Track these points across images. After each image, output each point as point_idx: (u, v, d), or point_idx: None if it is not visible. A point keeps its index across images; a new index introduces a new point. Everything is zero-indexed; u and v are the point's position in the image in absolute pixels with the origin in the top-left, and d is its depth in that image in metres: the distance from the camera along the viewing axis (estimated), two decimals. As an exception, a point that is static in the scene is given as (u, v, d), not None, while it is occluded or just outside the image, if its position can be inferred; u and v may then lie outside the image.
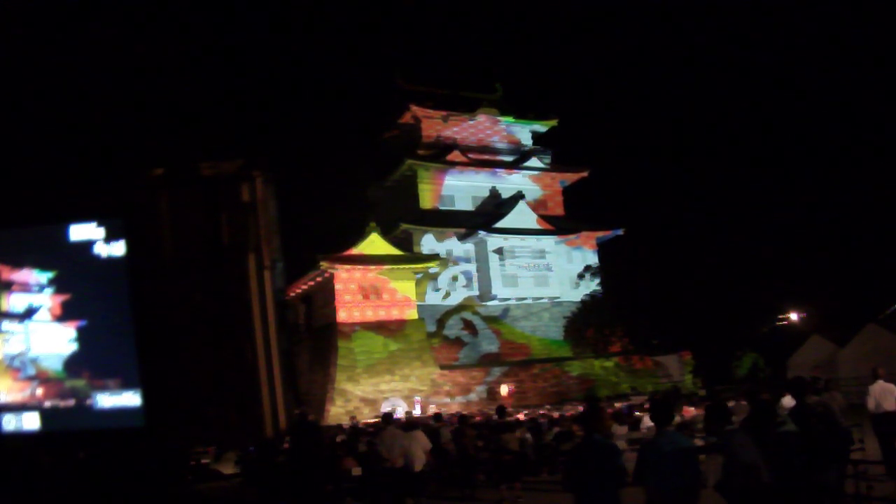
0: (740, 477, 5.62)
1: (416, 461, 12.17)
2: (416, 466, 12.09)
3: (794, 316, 36.35)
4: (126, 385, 2.85)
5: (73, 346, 2.95)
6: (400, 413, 27.51)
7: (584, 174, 49.20)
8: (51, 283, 2.96)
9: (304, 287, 40.99)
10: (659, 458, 5.38)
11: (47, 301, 2.95)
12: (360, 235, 38.93)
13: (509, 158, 48.15)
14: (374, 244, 39.01)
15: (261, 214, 2.04)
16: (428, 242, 42.72)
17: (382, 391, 35.77)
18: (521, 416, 22.27)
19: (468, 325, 42.12)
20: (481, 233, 42.55)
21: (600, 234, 47.38)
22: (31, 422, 3.04)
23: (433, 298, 42.18)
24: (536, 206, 46.00)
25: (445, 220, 43.46)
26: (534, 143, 49.67)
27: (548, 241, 44.41)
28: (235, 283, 2.39)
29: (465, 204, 45.68)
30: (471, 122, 47.85)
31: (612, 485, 5.36)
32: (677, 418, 13.01)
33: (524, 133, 49.83)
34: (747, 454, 5.68)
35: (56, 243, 2.90)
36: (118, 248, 2.79)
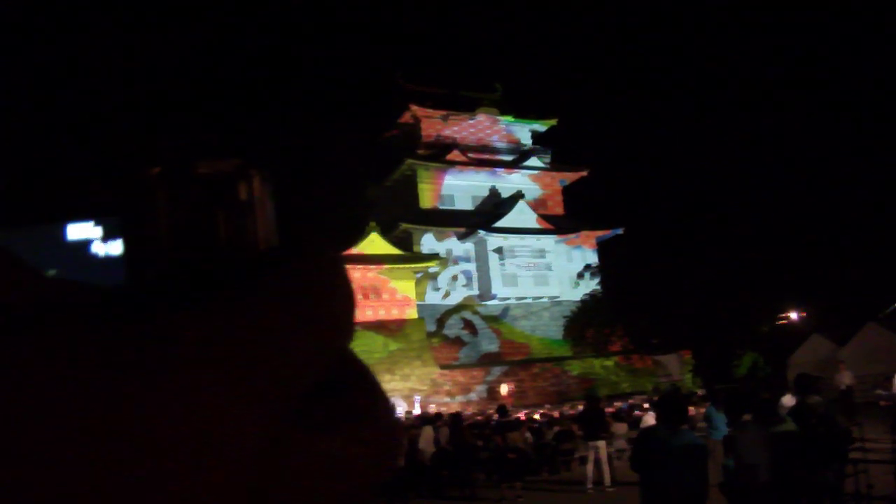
0: (741, 476, 5.64)
1: (425, 455, 12.39)
2: (425, 461, 12.31)
3: (793, 315, 36.34)
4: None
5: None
6: (400, 413, 27.51)
7: (584, 173, 49.19)
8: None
9: (304, 287, 40.92)
10: (669, 455, 5.37)
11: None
12: (359, 235, 38.92)
13: (509, 158, 48.14)
14: (374, 244, 39.00)
15: (258, 213, 2.02)
16: (428, 242, 42.71)
17: (382, 391, 35.74)
18: (521, 416, 22.28)
19: (468, 325, 42.11)
20: (481, 232, 42.53)
21: (600, 233, 47.37)
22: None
23: (433, 298, 42.17)
24: (536, 205, 45.98)
25: (445, 220, 43.44)
26: (533, 143, 49.66)
27: (547, 241, 44.40)
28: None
29: (464, 203, 45.67)
30: (470, 122, 47.83)
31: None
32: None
33: (524, 132, 49.81)
34: (750, 453, 5.69)
35: (53, 243, 2.89)
36: (115, 247, 2.77)
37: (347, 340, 0.21)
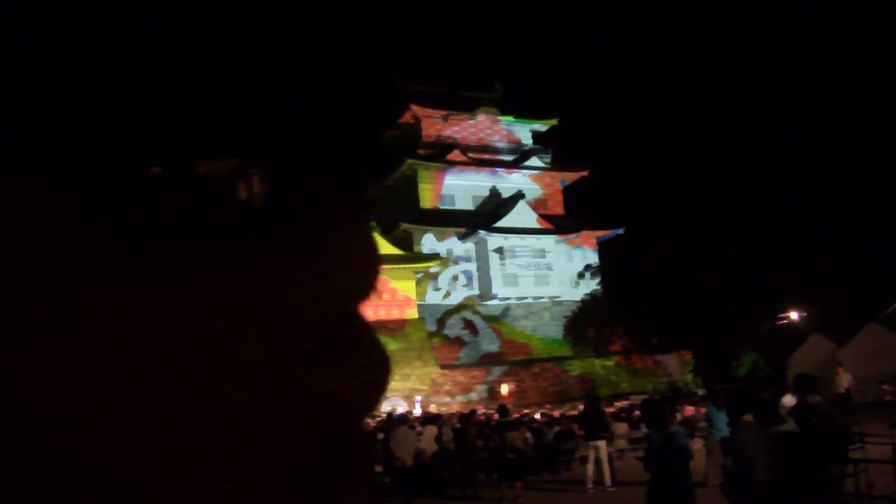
0: (739, 472, 5.66)
1: (426, 455, 12.42)
2: (426, 460, 12.35)
3: (794, 315, 36.35)
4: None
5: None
6: (400, 413, 27.51)
7: (585, 173, 49.20)
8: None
9: (305, 286, 40.93)
10: (660, 456, 5.41)
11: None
12: (360, 235, 38.90)
13: (509, 158, 48.15)
14: (375, 244, 38.98)
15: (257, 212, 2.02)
16: (428, 242, 42.71)
17: (383, 391, 35.73)
18: (523, 415, 22.26)
19: (468, 325, 42.10)
20: (481, 232, 42.53)
21: (600, 233, 47.37)
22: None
23: (433, 298, 42.17)
24: (536, 205, 45.98)
25: (446, 220, 43.45)
26: (534, 143, 49.66)
27: (548, 241, 44.40)
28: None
29: (465, 203, 45.67)
30: (471, 122, 47.84)
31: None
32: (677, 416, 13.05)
33: (524, 132, 49.82)
34: (749, 450, 5.71)
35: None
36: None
37: (363, 297, 0.23)
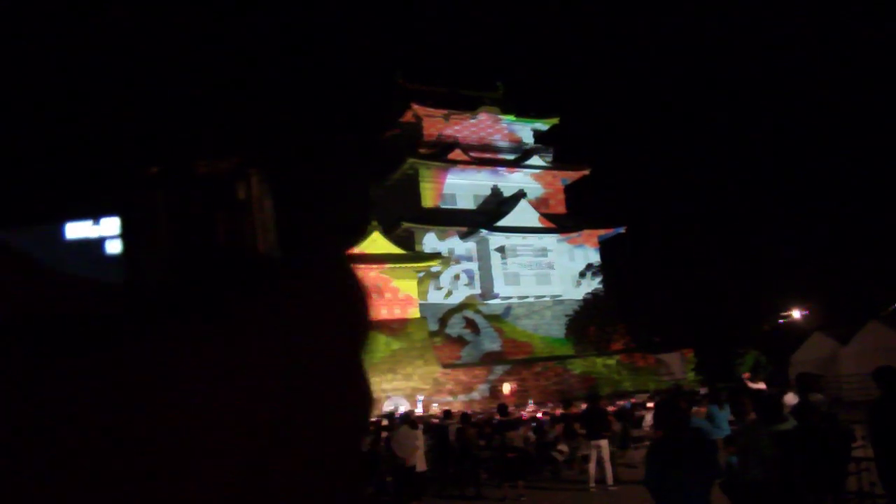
0: (740, 472, 5.66)
1: (419, 460, 12.35)
2: (418, 465, 12.25)
3: (796, 313, 36.32)
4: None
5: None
6: (403, 412, 27.50)
7: (586, 172, 49.15)
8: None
9: (306, 286, 40.93)
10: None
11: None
12: (361, 235, 38.92)
13: (511, 157, 48.12)
14: (376, 243, 38.99)
15: (256, 213, 2.02)
16: (430, 241, 42.70)
17: (384, 390, 35.75)
18: (523, 415, 22.29)
19: (470, 324, 42.08)
20: (483, 231, 42.51)
21: (602, 232, 47.34)
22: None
23: (435, 297, 42.16)
24: (538, 204, 45.95)
25: (447, 219, 43.43)
26: (535, 142, 49.62)
27: (550, 240, 44.37)
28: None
29: (466, 202, 45.65)
30: (472, 121, 47.81)
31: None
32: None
33: (525, 131, 49.78)
34: (752, 450, 5.70)
35: (52, 243, 2.91)
36: (115, 247, 2.80)
37: (360, 344, 0.22)
